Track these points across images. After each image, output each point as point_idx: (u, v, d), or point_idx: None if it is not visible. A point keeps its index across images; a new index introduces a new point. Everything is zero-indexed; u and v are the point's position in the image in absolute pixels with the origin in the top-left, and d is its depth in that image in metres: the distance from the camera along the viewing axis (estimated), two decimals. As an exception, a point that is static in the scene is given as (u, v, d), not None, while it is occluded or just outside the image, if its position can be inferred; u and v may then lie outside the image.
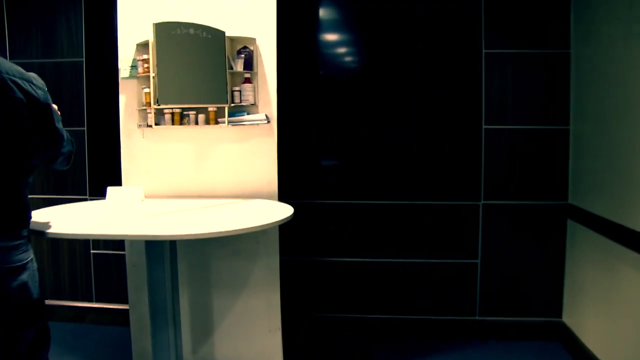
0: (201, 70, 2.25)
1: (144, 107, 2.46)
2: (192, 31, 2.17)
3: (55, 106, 2.07)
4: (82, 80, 3.33)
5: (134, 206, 2.32)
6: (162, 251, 2.02)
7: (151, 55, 2.11)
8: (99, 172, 3.36)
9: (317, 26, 3.15)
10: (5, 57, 3.41)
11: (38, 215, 2.09)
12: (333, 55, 3.14)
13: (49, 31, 3.33)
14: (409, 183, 3.13)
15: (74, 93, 3.35)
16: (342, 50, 3.16)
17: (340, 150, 3.19)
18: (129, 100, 2.53)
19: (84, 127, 3.35)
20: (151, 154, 2.57)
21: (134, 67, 2.49)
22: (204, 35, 2.21)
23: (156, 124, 2.45)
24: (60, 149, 1.76)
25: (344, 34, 3.16)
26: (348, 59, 3.16)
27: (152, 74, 2.11)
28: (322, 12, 3.14)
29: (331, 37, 3.14)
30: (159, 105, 2.09)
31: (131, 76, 2.49)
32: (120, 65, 2.52)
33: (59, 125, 1.73)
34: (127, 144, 2.58)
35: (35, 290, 1.69)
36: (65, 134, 1.79)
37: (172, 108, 2.42)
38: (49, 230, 1.84)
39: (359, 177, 3.17)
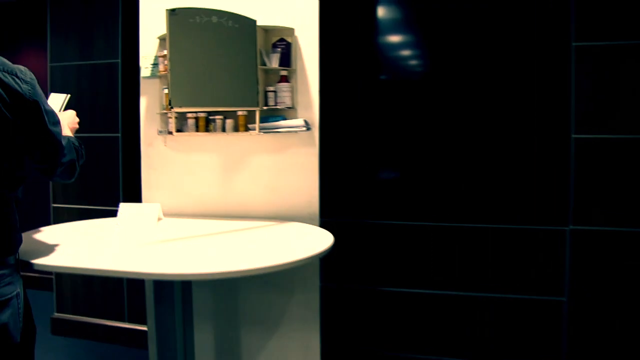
0: (226, 66, 1.87)
1: (165, 111, 2.12)
2: (214, 19, 1.79)
3: (71, 111, 1.77)
4: (118, 83, 3.07)
5: (148, 228, 1.98)
6: (171, 291, 1.65)
7: (167, 49, 1.75)
8: (134, 182, 3.08)
9: (374, 24, 2.70)
10: (46, 62, 3.24)
11: (43, 235, 1.80)
12: (394, 57, 2.68)
13: (87, 34, 3.12)
14: (480, 202, 2.62)
15: (110, 96, 3.11)
16: (404, 52, 2.69)
17: (399, 164, 2.72)
18: (151, 102, 2.20)
19: (118, 133, 3.08)
20: (174, 165, 2.23)
21: (155, 64, 2.15)
22: (230, 24, 1.83)
23: (178, 131, 2.09)
24: (58, 157, 1.46)
25: (406, 34, 2.69)
26: (412, 62, 2.69)
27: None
28: (381, 11, 2.69)
29: (392, 37, 2.68)
30: (171, 108, 1.74)
31: (152, 75, 2.16)
32: (141, 63, 2.20)
33: (55, 128, 1.42)
34: (147, 153, 2.25)
35: (17, 333, 1.37)
36: (67, 140, 1.50)
37: (196, 112, 2.06)
38: (36, 261, 1.52)
39: (418, 195, 2.69)
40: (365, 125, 2.72)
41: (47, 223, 3.39)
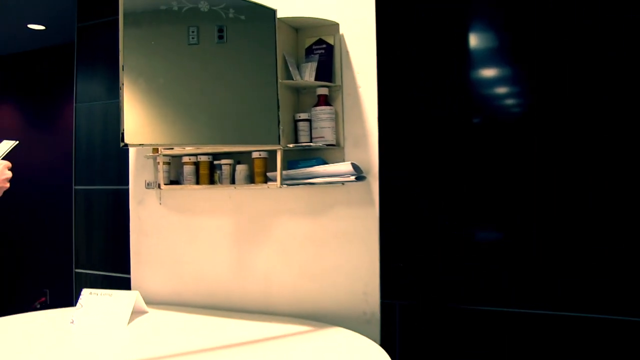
0: (225, 81, 1.18)
1: (153, 154, 1.46)
2: (204, 6, 1.13)
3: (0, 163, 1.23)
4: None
5: (114, 331, 1.28)
6: None
7: (120, 52, 1.10)
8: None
9: (463, 53, 1.92)
10: (73, 102, 2.85)
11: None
12: (489, 94, 1.88)
13: (113, 75, 2.68)
14: (617, 284, 1.66)
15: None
16: (501, 89, 1.87)
17: (502, 226, 1.85)
18: (142, 143, 1.56)
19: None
20: (170, 231, 1.54)
21: (147, 89, 1.52)
22: (232, 16, 1.15)
23: (172, 182, 1.42)
24: None
25: (502, 67, 1.88)
26: (510, 101, 1.86)
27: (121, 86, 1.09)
28: (473, 40, 1.90)
29: (486, 72, 1.89)
30: (125, 145, 1.07)
31: (143, 104, 1.53)
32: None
33: None
34: (137, 213, 1.59)
35: None
36: None
37: (196, 154, 1.39)
38: None
39: (523, 275, 1.79)
40: (452, 173, 1.90)
41: (70, 290, 2.88)
